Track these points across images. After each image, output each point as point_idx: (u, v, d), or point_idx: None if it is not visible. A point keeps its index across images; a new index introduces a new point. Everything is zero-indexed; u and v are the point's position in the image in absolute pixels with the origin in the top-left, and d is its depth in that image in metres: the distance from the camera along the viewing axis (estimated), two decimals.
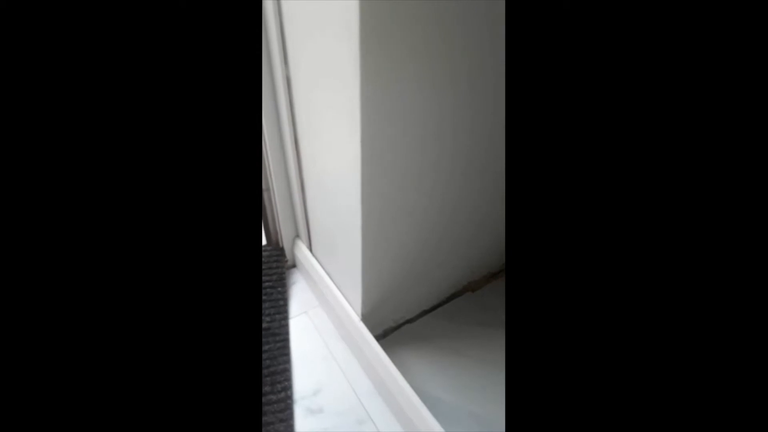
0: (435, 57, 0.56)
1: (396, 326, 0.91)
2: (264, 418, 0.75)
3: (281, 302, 0.94)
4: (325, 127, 0.66)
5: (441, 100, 0.61)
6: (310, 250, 0.97)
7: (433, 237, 0.80)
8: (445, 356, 0.86)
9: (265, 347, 0.85)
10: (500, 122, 0.71)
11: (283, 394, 0.78)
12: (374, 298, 0.80)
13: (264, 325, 0.89)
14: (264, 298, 0.94)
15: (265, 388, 0.79)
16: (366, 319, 0.81)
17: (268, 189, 0.93)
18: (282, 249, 1.02)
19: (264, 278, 0.98)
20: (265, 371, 0.81)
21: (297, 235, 1.01)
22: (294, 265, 1.05)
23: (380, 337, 0.88)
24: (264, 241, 1.04)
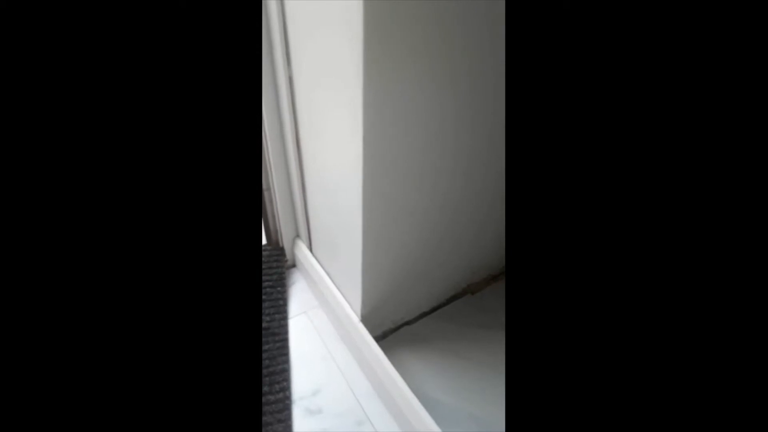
0: (437, 57, 0.55)
1: (395, 327, 0.91)
2: (263, 419, 0.75)
3: (281, 302, 0.94)
4: (327, 127, 0.66)
5: (443, 101, 0.61)
6: (310, 250, 0.97)
7: (433, 238, 0.80)
8: (444, 358, 0.86)
9: (264, 347, 0.85)
10: (500, 122, 0.71)
11: (281, 395, 0.78)
12: (374, 299, 0.80)
13: (263, 324, 0.89)
14: (263, 297, 0.94)
15: (264, 388, 0.78)
16: (365, 320, 0.81)
17: (268, 188, 0.93)
18: (282, 249, 1.02)
19: (264, 278, 0.97)
20: (263, 371, 0.81)
21: (297, 235, 1.00)
22: (294, 265, 1.04)
23: (380, 338, 0.88)
24: (264, 241, 1.04)
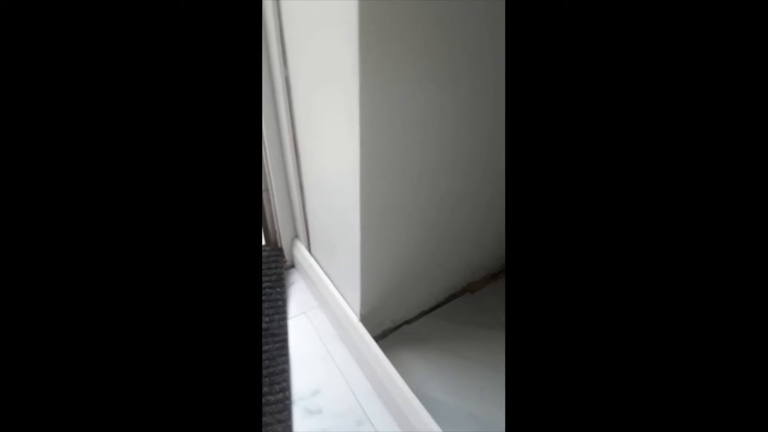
0: (435, 57, 0.55)
1: (395, 327, 0.91)
2: (263, 419, 0.74)
3: (280, 303, 0.94)
4: (324, 128, 0.66)
5: (441, 101, 0.61)
6: (309, 250, 0.97)
7: (432, 238, 0.80)
8: (444, 357, 0.86)
9: (263, 348, 0.85)
10: (500, 122, 0.71)
11: (281, 395, 0.78)
12: (373, 299, 0.80)
13: (263, 325, 0.89)
14: (263, 298, 0.94)
15: (264, 389, 0.78)
16: (365, 319, 0.81)
17: (266, 189, 0.93)
18: (281, 249, 1.02)
19: (263, 279, 0.97)
20: (263, 372, 0.81)
21: (296, 236, 1.00)
22: (293, 266, 1.04)
23: (379, 338, 0.88)
24: (263, 242, 1.04)
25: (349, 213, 0.68)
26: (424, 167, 0.67)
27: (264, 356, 0.83)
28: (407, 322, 0.93)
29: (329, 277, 0.89)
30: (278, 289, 0.97)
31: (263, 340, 0.86)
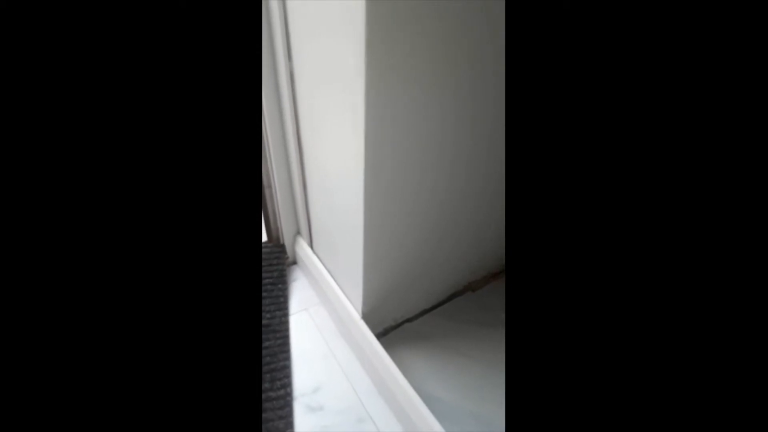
0: (438, 58, 0.55)
1: (396, 325, 0.91)
2: (264, 415, 0.75)
3: (281, 299, 0.94)
4: (329, 125, 0.66)
5: (444, 100, 0.61)
6: (311, 247, 0.97)
7: (434, 236, 0.80)
8: (445, 355, 0.86)
9: (265, 344, 0.85)
10: (503, 122, 0.71)
11: (282, 391, 0.78)
12: (375, 297, 0.80)
13: (264, 321, 0.89)
14: (264, 294, 0.94)
15: (265, 385, 0.79)
16: (366, 317, 0.81)
17: (269, 185, 0.93)
18: (283, 246, 1.02)
19: (264, 275, 0.98)
20: (264, 368, 0.81)
21: (298, 232, 1.01)
22: (295, 262, 1.04)
23: (380, 336, 0.88)
24: (265, 238, 1.04)
25: (352, 211, 0.68)
26: (427, 166, 0.67)
27: (265, 352, 0.84)
28: (408, 320, 0.93)
29: (331, 274, 0.89)
30: (280, 286, 0.97)
31: (265, 336, 0.87)
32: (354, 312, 0.82)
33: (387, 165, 0.62)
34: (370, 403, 0.79)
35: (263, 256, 1.00)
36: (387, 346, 0.77)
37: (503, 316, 0.92)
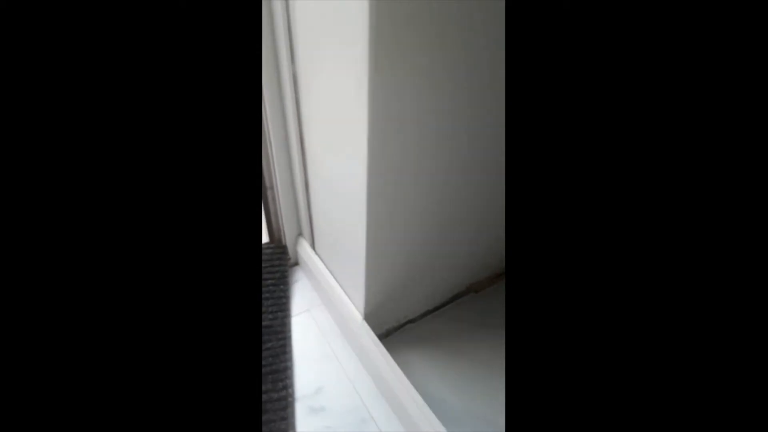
0: (439, 60, 0.55)
1: (399, 326, 0.91)
2: (265, 416, 0.75)
3: (283, 300, 0.94)
4: (332, 126, 0.66)
5: (447, 102, 0.61)
6: (313, 248, 0.97)
7: (437, 237, 0.80)
8: (447, 357, 0.86)
9: (266, 345, 0.85)
10: (503, 123, 0.71)
11: (284, 393, 0.78)
12: (377, 298, 0.79)
13: (266, 323, 0.89)
14: (266, 295, 0.94)
15: (266, 386, 0.78)
16: (369, 318, 0.81)
17: (271, 186, 0.93)
18: (285, 247, 1.02)
19: (266, 276, 0.97)
20: (266, 369, 0.81)
21: (300, 233, 1.00)
22: (297, 263, 1.04)
23: (383, 337, 0.88)
24: (267, 239, 1.04)
25: (355, 212, 0.67)
26: (431, 167, 0.67)
27: (267, 354, 0.83)
28: (411, 322, 0.93)
29: (333, 275, 0.89)
30: (281, 287, 0.97)
31: (266, 337, 0.86)
32: (356, 313, 0.82)
33: (390, 166, 0.62)
34: (372, 404, 0.78)
35: (265, 257, 1.00)
36: (389, 348, 0.77)
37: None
